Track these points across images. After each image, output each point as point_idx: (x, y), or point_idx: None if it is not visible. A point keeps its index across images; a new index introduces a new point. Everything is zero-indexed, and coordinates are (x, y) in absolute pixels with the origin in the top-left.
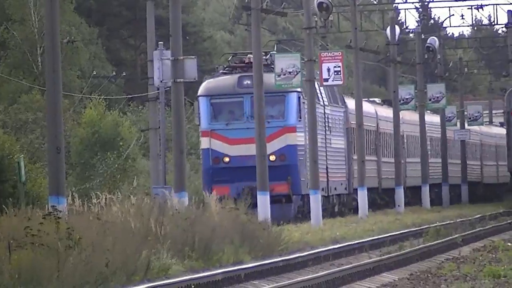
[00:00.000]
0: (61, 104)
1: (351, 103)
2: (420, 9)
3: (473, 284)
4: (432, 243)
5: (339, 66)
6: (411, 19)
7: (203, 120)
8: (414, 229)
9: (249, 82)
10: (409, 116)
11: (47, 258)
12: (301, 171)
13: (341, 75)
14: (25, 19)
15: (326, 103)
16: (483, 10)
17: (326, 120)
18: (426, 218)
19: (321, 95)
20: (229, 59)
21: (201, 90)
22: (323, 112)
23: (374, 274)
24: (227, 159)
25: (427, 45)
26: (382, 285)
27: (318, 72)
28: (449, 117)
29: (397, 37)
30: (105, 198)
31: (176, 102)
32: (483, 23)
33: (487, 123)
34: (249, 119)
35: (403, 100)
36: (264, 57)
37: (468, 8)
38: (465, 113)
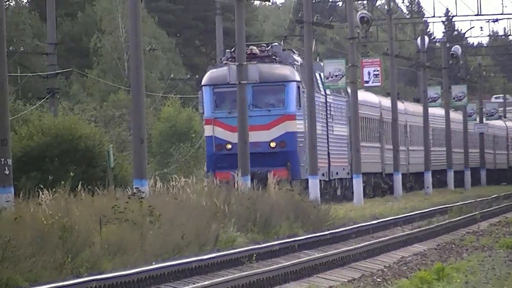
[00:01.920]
0: (144, 102)
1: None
2: (446, 22)
3: (489, 254)
4: (456, 219)
5: (378, 70)
6: (438, 31)
7: (207, 108)
8: (441, 207)
9: None
10: (412, 108)
11: (132, 231)
12: (301, 157)
13: (379, 77)
14: (114, 31)
15: (328, 92)
16: (498, 23)
17: (328, 108)
18: (451, 198)
19: (322, 84)
20: (232, 50)
21: (204, 79)
22: (324, 101)
23: (407, 245)
24: (229, 146)
25: (451, 52)
26: (414, 254)
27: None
28: (470, 113)
29: (426, 45)
30: (181, 182)
31: (241, 100)
32: (498, 34)
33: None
34: (251, 107)
35: (431, 98)
36: (265, 49)
37: (486, 22)
38: (483, 109)
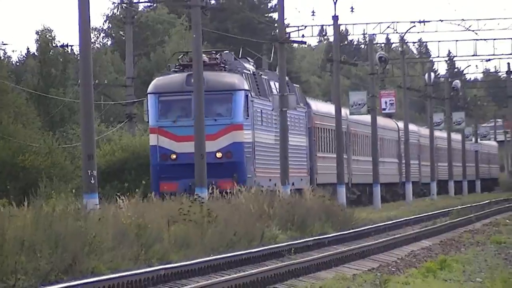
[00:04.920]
0: (203, 126)
1: (315, 104)
2: (448, 61)
3: (482, 248)
4: (455, 220)
5: (393, 100)
6: (441, 68)
7: (151, 117)
8: (443, 210)
9: None
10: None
11: (194, 229)
12: (248, 168)
13: (394, 106)
14: None
15: None
16: (490, 62)
17: None
18: (451, 203)
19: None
20: (180, 57)
21: (150, 87)
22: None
23: (416, 241)
24: (174, 156)
25: (452, 86)
26: (422, 248)
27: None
28: (468, 135)
29: (432, 80)
30: (233, 190)
31: (283, 123)
32: (490, 71)
33: (492, 138)
34: None
35: (436, 123)
36: (215, 56)
37: (481, 61)
38: (478, 132)
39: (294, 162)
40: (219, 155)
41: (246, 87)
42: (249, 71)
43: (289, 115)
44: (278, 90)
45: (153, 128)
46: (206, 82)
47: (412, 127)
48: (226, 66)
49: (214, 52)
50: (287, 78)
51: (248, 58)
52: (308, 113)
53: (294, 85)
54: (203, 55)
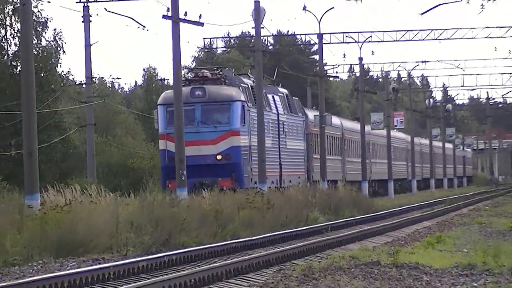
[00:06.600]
0: (263, 135)
1: (311, 114)
2: (443, 90)
3: (468, 227)
4: (448, 206)
5: (402, 119)
6: (438, 95)
7: (160, 125)
8: (439, 199)
9: (199, 92)
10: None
11: (257, 214)
12: (244, 168)
13: (403, 123)
14: None
15: (281, 112)
16: (474, 91)
17: (281, 126)
18: (445, 194)
19: (275, 104)
20: (187, 73)
21: (159, 99)
22: (276, 119)
23: (419, 222)
24: None
25: (446, 108)
26: (423, 227)
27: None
28: (457, 145)
29: (431, 104)
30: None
31: (321, 137)
32: (474, 97)
33: (475, 147)
34: (200, 124)
35: (434, 136)
36: (215, 72)
37: (467, 90)
38: (465, 142)
39: (293, 163)
40: (219, 157)
41: (243, 98)
42: (247, 85)
43: (290, 122)
44: (275, 101)
45: (162, 135)
46: (208, 94)
47: (404, 136)
48: (226, 81)
49: (216, 68)
50: (287, 92)
51: (249, 75)
52: (306, 121)
53: (294, 98)
54: (205, 71)
